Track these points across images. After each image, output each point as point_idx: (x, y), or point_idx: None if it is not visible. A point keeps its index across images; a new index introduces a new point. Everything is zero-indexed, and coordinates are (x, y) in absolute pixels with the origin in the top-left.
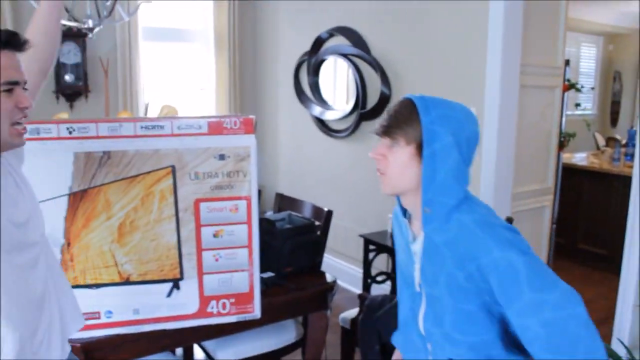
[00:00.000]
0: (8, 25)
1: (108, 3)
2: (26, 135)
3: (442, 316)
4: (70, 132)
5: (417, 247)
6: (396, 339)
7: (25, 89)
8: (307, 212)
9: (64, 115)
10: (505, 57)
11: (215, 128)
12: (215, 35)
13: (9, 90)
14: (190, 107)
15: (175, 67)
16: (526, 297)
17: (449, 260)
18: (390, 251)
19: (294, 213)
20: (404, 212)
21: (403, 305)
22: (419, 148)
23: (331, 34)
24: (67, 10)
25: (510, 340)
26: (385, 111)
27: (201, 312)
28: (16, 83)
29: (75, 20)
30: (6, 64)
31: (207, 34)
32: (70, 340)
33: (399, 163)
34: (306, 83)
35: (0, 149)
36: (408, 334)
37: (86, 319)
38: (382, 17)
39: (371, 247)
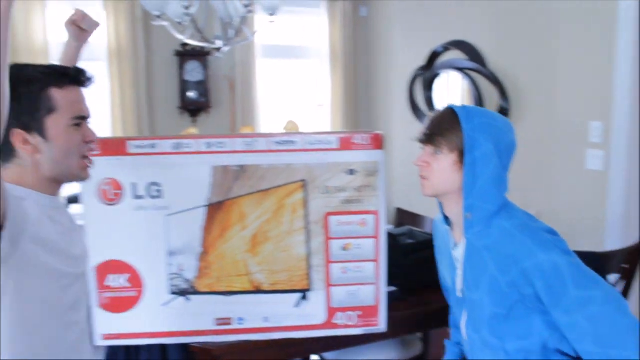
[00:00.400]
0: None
1: (235, 23)
2: (168, 150)
3: (481, 322)
4: (208, 147)
5: (458, 253)
6: (452, 323)
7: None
8: (427, 227)
9: (193, 131)
10: (636, 70)
11: (346, 144)
12: (330, 51)
13: (77, 125)
14: (308, 123)
15: (291, 83)
16: (572, 295)
17: (491, 265)
18: None
19: (414, 228)
20: (446, 220)
21: (451, 313)
22: (461, 155)
23: (446, 48)
24: (198, 31)
25: (550, 350)
26: (427, 119)
27: (328, 323)
28: (84, 118)
29: (206, 41)
30: (74, 99)
31: (322, 51)
32: (203, 344)
33: (442, 170)
34: (421, 98)
35: (64, 181)
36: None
37: (218, 325)
38: (501, 31)
39: None
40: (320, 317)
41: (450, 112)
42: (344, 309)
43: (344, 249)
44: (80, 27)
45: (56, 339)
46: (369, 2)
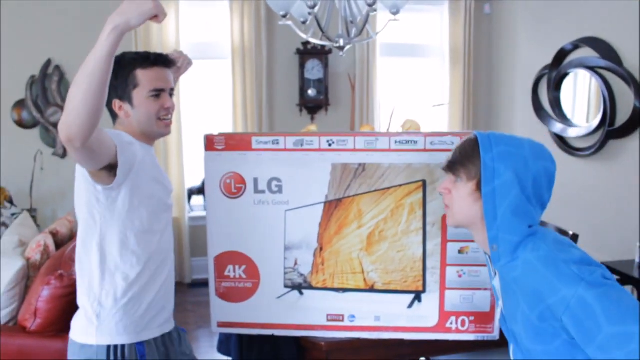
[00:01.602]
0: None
1: (359, 22)
2: (290, 146)
3: (528, 356)
4: (330, 145)
5: (496, 283)
6: None
7: (172, 94)
8: None
9: (314, 128)
10: None
11: None
12: (450, 49)
13: (156, 95)
14: (425, 122)
15: (410, 81)
16: (606, 331)
17: (521, 299)
18: (637, 283)
19: None
20: None
21: None
22: (479, 185)
23: (576, 45)
24: (321, 30)
25: None
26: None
27: (440, 327)
28: (162, 90)
29: (329, 40)
30: (153, 77)
31: (442, 49)
32: (314, 338)
33: (460, 198)
34: (546, 98)
35: (151, 136)
36: None
37: (330, 321)
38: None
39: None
40: (432, 319)
41: (474, 139)
42: (457, 314)
43: (461, 252)
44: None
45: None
46: None
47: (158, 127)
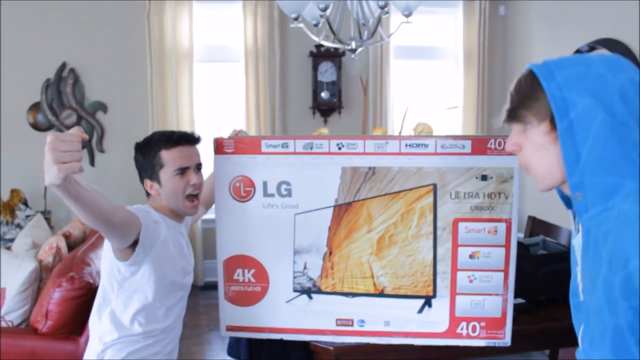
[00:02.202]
0: None
1: (370, 24)
2: (300, 149)
3: (603, 335)
4: (339, 148)
5: (577, 241)
6: None
7: (199, 169)
8: (563, 239)
9: (325, 131)
10: None
11: (479, 148)
12: (464, 52)
13: (181, 173)
14: (438, 125)
15: (423, 84)
16: None
17: (605, 260)
18: None
19: (548, 238)
20: (567, 202)
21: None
22: (553, 123)
23: (592, 47)
24: (333, 32)
25: None
26: (508, 93)
27: (450, 332)
28: (186, 168)
29: (340, 42)
30: (177, 155)
31: (456, 51)
32: (323, 343)
33: (537, 148)
34: None
35: (179, 214)
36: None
37: (339, 325)
38: None
39: None
40: (443, 325)
41: (529, 74)
42: (468, 319)
43: (472, 257)
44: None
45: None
46: (508, 1)
47: (185, 206)
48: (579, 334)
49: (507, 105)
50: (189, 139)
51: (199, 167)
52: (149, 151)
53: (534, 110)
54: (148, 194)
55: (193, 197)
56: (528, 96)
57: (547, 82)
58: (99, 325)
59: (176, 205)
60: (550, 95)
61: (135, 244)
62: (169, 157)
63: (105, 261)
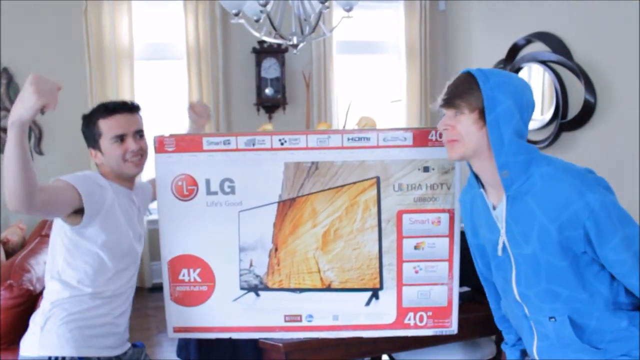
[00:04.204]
0: None
1: (312, 20)
2: (242, 146)
3: (538, 274)
4: (282, 144)
5: (499, 212)
6: (500, 324)
7: (141, 136)
8: None
9: (269, 127)
10: None
11: (420, 140)
12: (406, 46)
13: (120, 140)
14: (383, 119)
15: (367, 78)
16: (620, 234)
17: (540, 213)
18: None
19: None
20: (477, 182)
21: (495, 282)
22: (481, 114)
23: (529, 40)
24: (274, 28)
25: (609, 300)
26: (445, 87)
27: (398, 323)
28: (124, 135)
29: (282, 38)
30: (114, 124)
31: (398, 46)
32: (272, 340)
33: (467, 128)
34: None
35: (124, 177)
36: (509, 307)
37: (288, 322)
38: (589, 21)
39: None
40: (390, 316)
41: (467, 75)
42: (415, 309)
43: (417, 247)
44: (194, 111)
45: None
46: None
47: (127, 168)
48: (512, 282)
49: (443, 95)
50: (126, 107)
51: (139, 133)
52: (90, 121)
53: (468, 102)
54: (95, 164)
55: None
56: (465, 91)
57: (483, 83)
58: (50, 285)
59: (118, 169)
60: (484, 94)
61: (78, 211)
62: (106, 126)
63: (55, 223)
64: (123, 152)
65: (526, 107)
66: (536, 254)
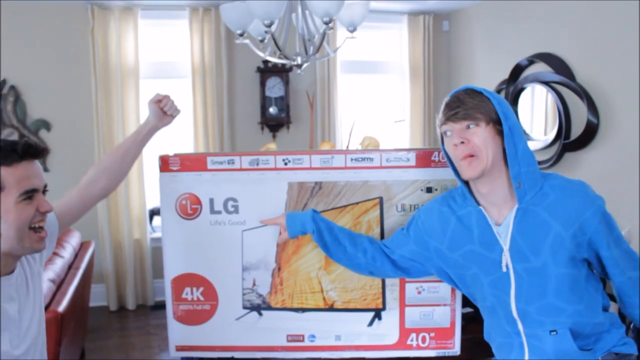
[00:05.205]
0: None
1: (316, 40)
2: (246, 166)
3: (544, 287)
4: (285, 163)
5: (503, 228)
6: (488, 337)
7: (46, 192)
8: None
9: (273, 146)
10: None
11: (423, 161)
12: (410, 66)
13: (29, 198)
14: (386, 139)
15: (370, 98)
16: (614, 233)
17: (555, 224)
18: None
19: None
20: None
21: (481, 301)
22: (494, 127)
23: (531, 61)
24: (278, 48)
25: (603, 305)
26: (446, 104)
27: (400, 344)
28: (35, 190)
29: (286, 58)
30: (23, 175)
31: (402, 66)
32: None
33: (483, 141)
34: None
35: (19, 255)
36: (497, 325)
37: (290, 341)
38: (591, 42)
39: None
40: (393, 337)
41: (471, 91)
42: (417, 330)
43: None
44: (163, 110)
45: None
46: (451, 16)
47: (30, 241)
48: (510, 299)
49: (456, 110)
50: (36, 151)
51: (45, 189)
52: None
53: (485, 114)
54: None
55: (40, 228)
56: (479, 104)
57: (493, 99)
58: None
59: (19, 242)
60: (497, 106)
61: None
62: (11, 177)
63: None
64: (33, 213)
65: (518, 129)
66: (546, 266)
